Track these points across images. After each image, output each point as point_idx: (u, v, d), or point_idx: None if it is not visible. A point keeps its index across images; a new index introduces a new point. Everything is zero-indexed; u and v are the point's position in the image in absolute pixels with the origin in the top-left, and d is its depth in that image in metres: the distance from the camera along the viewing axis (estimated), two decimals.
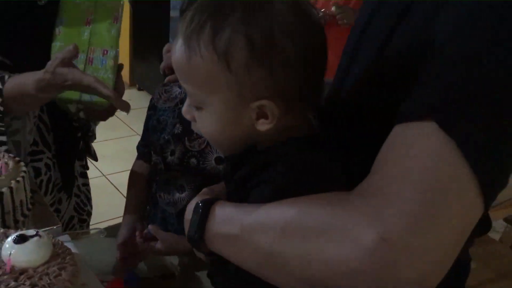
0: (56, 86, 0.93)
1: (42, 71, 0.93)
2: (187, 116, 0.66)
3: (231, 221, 0.60)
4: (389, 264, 0.46)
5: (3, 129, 0.99)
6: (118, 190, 2.67)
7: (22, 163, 0.92)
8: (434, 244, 0.47)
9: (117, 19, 1.10)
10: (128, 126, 3.26)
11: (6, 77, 0.98)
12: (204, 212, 0.62)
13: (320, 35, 0.61)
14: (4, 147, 1.00)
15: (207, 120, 0.62)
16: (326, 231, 0.50)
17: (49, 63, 0.93)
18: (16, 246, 0.68)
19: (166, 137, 1.16)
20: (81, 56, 1.05)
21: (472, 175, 0.47)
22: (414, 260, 0.46)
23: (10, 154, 0.91)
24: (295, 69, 0.58)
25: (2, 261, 0.67)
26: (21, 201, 0.87)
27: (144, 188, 1.25)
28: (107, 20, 1.09)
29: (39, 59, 1.05)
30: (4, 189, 0.83)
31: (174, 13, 3.41)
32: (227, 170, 0.70)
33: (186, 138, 1.13)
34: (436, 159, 0.47)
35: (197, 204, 0.64)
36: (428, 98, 0.50)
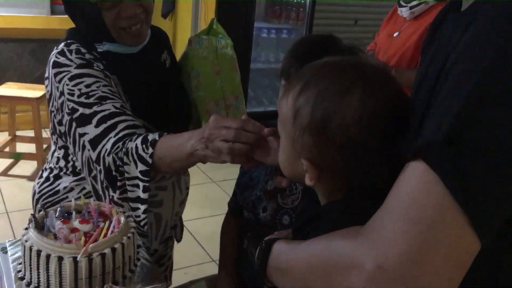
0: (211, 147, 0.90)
1: (199, 131, 0.92)
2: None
3: (281, 256, 0.70)
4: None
5: (147, 184, 0.98)
6: (194, 237, 2.70)
7: (131, 219, 0.95)
8: (428, 273, 0.51)
9: (237, 68, 1.21)
10: (205, 173, 3.33)
11: (154, 137, 0.99)
12: (266, 250, 0.72)
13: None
14: (143, 207, 1.00)
15: (280, 148, 0.74)
16: (339, 262, 0.58)
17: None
18: None
19: (258, 194, 1.17)
20: (221, 103, 1.17)
21: (459, 208, 0.50)
22: (408, 286, 0.51)
23: (120, 209, 0.95)
24: (339, 152, 0.64)
25: None
26: (129, 256, 0.90)
27: (236, 243, 1.26)
28: (231, 69, 1.21)
29: (172, 118, 1.17)
30: (117, 245, 0.86)
31: (253, 65, 3.56)
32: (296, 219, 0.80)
33: (279, 195, 1.14)
34: (425, 195, 0.52)
35: (261, 243, 0.74)
36: (422, 139, 0.55)
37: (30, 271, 0.84)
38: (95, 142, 1.03)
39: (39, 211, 0.92)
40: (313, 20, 3.99)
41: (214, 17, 3.73)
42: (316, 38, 1.14)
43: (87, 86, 1.06)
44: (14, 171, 3.23)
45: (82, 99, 1.05)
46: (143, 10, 1.12)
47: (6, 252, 0.94)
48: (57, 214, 0.91)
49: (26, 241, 0.85)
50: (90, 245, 0.83)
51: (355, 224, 0.61)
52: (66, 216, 0.91)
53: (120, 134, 1.01)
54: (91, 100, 1.05)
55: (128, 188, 1.00)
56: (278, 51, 4.02)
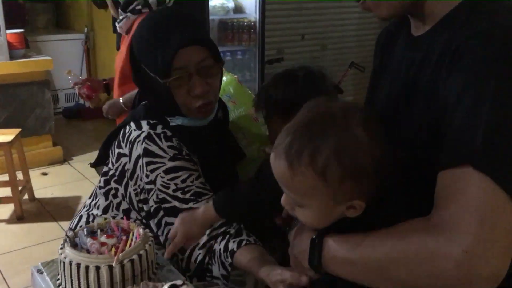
0: None
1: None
2: (287, 207, 0.85)
3: (343, 247, 0.80)
4: (473, 267, 0.68)
5: (226, 282, 1.12)
6: None
7: (147, 230, 1.12)
8: (497, 249, 0.68)
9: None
10: None
11: (233, 247, 1.10)
12: (320, 243, 0.82)
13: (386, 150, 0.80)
14: None
15: (307, 215, 0.82)
16: (421, 252, 0.71)
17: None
18: None
19: None
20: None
21: (508, 198, 0.67)
22: (488, 261, 0.67)
23: (137, 222, 1.12)
24: (373, 178, 0.78)
25: None
26: (152, 261, 1.07)
27: None
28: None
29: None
30: (142, 252, 1.03)
31: None
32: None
33: None
34: (482, 194, 0.68)
35: (312, 239, 0.83)
36: (460, 148, 0.71)
37: (71, 282, 1.00)
38: None
39: (69, 233, 1.07)
40: (264, 39, 4.23)
41: None
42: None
43: (183, 181, 1.13)
44: None
45: (178, 194, 1.13)
46: (211, 89, 1.16)
47: (42, 273, 1.09)
48: (85, 233, 1.06)
49: (65, 257, 1.00)
50: (121, 254, 1.00)
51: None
52: (92, 234, 1.07)
53: (214, 233, 1.13)
54: (187, 196, 1.13)
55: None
56: (234, 71, 4.24)
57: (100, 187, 1.30)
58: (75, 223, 1.34)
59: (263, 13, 4.13)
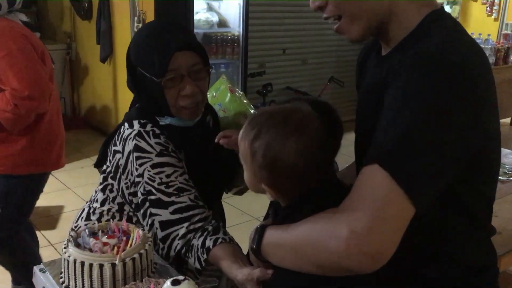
0: None
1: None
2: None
3: (275, 235, 0.93)
4: (358, 246, 0.78)
5: (198, 276, 1.21)
6: None
7: (146, 231, 1.18)
8: (383, 232, 0.78)
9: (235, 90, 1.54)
10: None
11: (209, 245, 1.19)
12: (262, 230, 0.96)
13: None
14: None
15: (244, 174, 0.98)
16: (321, 234, 0.84)
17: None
18: (174, 287, 0.93)
19: None
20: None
21: (403, 194, 0.78)
22: (373, 242, 0.78)
23: (138, 225, 1.18)
24: (288, 180, 0.92)
25: None
26: (151, 260, 1.12)
27: None
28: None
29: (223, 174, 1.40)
30: (142, 251, 1.09)
31: None
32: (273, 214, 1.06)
33: None
34: (379, 187, 0.79)
35: (257, 227, 0.97)
36: (375, 150, 0.82)
37: (75, 280, 1.04)
38: (166, 225, 1.21)
39: (71, 233, 1.12)
40: (247, 53, 4.33)
41: None
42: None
43: (167, 176, 1.22)
44: None
45: (162, 188, 1.21)
46: (199, 90, 1.27)
47: (45, 272, 1.13)
48: (87, 233, 1.12)
49: (69, 256, 1.05)
50: (123, 253, 1.05)
51: (314, 213, 0.88)
52: (94, 234, 1.12)
53: (191, 227, 1.21)
54: (170, 190, 1.21)
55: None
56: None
57: (100, 184, 1.39)
58: (78, 216, 1.42)
59: (246, 28, 4.24)
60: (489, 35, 5.55)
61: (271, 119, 0.92)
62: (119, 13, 4.40)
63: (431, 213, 0.87)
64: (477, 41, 5.37)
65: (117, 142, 1.30)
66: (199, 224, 1.22)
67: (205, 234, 1.21)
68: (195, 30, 3.96)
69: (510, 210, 1.95)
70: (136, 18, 4.00)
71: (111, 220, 1.30)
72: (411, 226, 0.82)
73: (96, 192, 1.41)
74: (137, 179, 1.25)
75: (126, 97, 4.54)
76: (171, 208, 1.22)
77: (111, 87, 4.84)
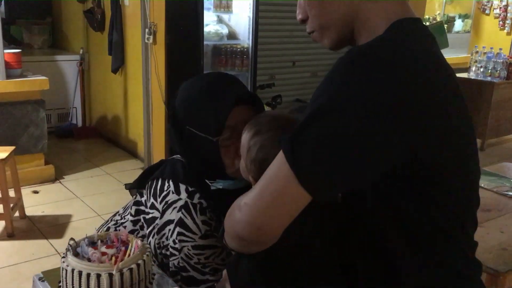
0: None
1: None
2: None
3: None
4: (246, 215, 0.85)
5: None
6: None
7: (145, 241, 1.18)
8: (267, 207, 0.83)
9: None
10: None
11: None
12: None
13: None
14: None
15: (241, 160, 1.07)
16: (234, 207, 0.92)
17: None
18: None
19: None
20: None
21: (293, 176, 0.79)
22: (256, 213, 0.84)
23: (138, 236, 1.18)
24: None
25: None
26: (149, 271, 1.13)
27: None
28: None
29: None
30: (140, 261, 1.09)
31: None
32: None
33: None
34: (273, 165, 0.84)
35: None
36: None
37: None
38: None
39: (71, 243, 1.13)
40: (256, 65, 4.35)
41: (163, 67, 4.01)
42: None
43: (206, 258, 1.20)
44: None
45: (198, 267, 1.20)
46: None
47: (44, 281, 1.14)
48: (86, 243, 1.12)
49: (67, 265, 1.06)
50: (120, 263, 1.06)
51: None
52: (93, 244, 1.13)
53: None
54: (206, 270, 1.21)
55: None
56: None
57: (131, 214, 1.36)
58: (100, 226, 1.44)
59: (255, 40, 4.26)
60: (500, 49, 5.51)
61: (273, 122, 1.02)
62: (130, 25, 4.46)
63: (373, 225, 0.89)
64: (489, 55, 5.36)
65: (158, 199, 1.24)
66: None
67: None
68: (205, 42, 3.99)
69: None
70: (147, 30, 4.05)
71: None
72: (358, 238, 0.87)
73: (125, 217, 1.37)
74: (172, 251, 1.22)
75: (136, 108, 4.59)
76: (203, 286, 1.22)
77: (122, 98, 4.89)
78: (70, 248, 1.10)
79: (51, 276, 1.15)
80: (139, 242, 1.14)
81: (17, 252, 3.01)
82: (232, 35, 4.31)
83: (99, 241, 1.14)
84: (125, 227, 1.36)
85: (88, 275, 1.03)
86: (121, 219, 1.40)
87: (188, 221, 1.19)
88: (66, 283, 1.06)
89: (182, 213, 1.20)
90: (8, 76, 3.79)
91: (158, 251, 1.28)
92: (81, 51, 5.30)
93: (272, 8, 4.47)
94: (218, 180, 1.21)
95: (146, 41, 4.10)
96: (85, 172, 4.36)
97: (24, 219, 3.44)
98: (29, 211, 3.51)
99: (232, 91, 1.18)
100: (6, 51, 3.81)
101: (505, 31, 7.12)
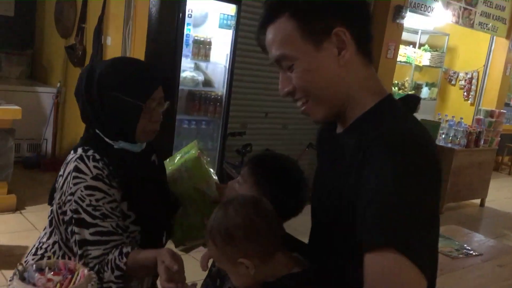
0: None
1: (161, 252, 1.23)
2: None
3: None
4: None
5: (121, 286, 1.31)
6: None
7: (92, 271, 1.23)
8: None
9: (201, 162, 1.59)
10: None
11: (127, 250, 1.31)
12: None
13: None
14: None
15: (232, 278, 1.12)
16: None
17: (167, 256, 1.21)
18: None
19: None
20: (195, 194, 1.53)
21: (418, 270, 0.84)
22: None
23: (83, 264, 1.23)
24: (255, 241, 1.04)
25: None
26: None
27: None
28: (197, 165, 1.58)
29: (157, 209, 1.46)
30: (88, 287, 1.14)
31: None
32: None
33: None
34: (391, 266, 0.85)
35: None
36: (380, 232, 0.87)
37: None
38: (84, 243, 1.32)
39: (19, 267, 1.17)
40: (228, 113, 4.49)
41: None
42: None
43: (97, 200, 1.33)
44: None
45: (89, 209, 1.32)
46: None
47: None
48: (34, 268, 1.17)
49: None
50: None
51: None
52: (41, 270, 1.17)
53: (107, 251, 1.32)
54: (96, 213, 1.32)
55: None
56: (198, 139, 4.43)
57: (48, 216, 1.48)
58: (28, 251, 1.48)
59: (230, 89, 4.42)
60: (461, 118, 5.82)
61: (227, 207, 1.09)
62: None
63: None
64: (450, 123, 5.65)
65: (61, 168, 1.41)
66: (115, 249, 1.33)
67: (119, 248, 1.32)
68: (180, 87, 4.12)
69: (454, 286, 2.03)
70: None
71: (54, 254, 1.38)
72: None
73: (45, 226, 1.48)
74: (68, 197, 1.34)
75: None
76: (92, 230, 1.32)
77: None
78: (17, 272, 1.14)
79: None
80: (85, 271, 1.19)
81: None
82: (207, 82, 4.46)
83: (47, 267, 1.18)
84: (46, 233, 1.47)
85: None
86: (42, 234, 1.50)
87: (81, 166, 1.35)
88: None
89: (76, 161, 1.36)
90: None
91: (59, 211, 1.38)
92: (58, 85, 5.36)
93: (249, 60, 4.67)
94: (120, 141, 1.42)
95: None
96: (47, 204, 4.32)
97: None
98: None
99: (159, 73, 1.45)
100: None
101: (469, 102, 7.52)
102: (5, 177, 4.04)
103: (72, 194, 1.34)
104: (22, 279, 1.14)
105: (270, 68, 5.32)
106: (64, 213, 1.37)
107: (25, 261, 1.22)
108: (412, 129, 0.97)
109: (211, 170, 1.62)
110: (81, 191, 1.33)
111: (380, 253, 0.86)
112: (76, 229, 1.33)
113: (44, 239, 1.46)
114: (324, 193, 1.13)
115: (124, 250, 1.30)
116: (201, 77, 4.36)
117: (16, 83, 5.47)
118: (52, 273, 1.17)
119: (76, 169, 1.35)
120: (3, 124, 3.97)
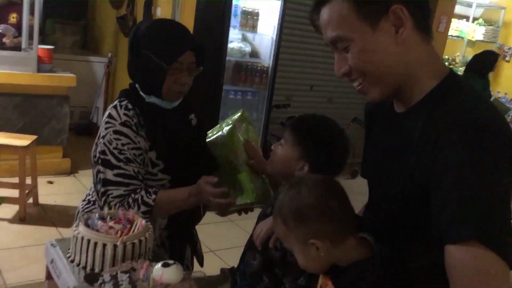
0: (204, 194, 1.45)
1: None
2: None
3: None
4: None
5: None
6: None
7: (149, 223, 1.32)
8: None
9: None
10: None
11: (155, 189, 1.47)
12: None
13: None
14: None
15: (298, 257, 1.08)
16: None
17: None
18: (164, 268, 1.06)
19: None
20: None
21: (503, 261, 0.85)
22: None
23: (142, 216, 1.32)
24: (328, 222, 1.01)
25: (154, 279, 1.05)
26: (149, 248, 1.26)
27: None
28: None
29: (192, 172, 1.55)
30: (142, 238, 1.22)
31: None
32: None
33: None
34: (475, 258, 0.85)
35: None
36: (464, 226, 0.86)
37: (80, 254, 1.18)
38: (107, 183, 1.45)
39: (84, 216, 1.27)
40: (274, 85, 4.51)
41: None
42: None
43: (122, 144, 1.45)
44: None
45: (115, 152, 1.44)
46: (189, 83, 1.53)
47: (55, 246, 1.28)
48: (97, 217, 1.26)
49: (78, 233, 1.19)
50: (125, 237, 1.19)
51: None
52: (103, 219, 1.27)
53: (127, 192, 1.45)
54: (121, 157, 1.44)
55: None
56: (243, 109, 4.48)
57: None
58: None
59: (276, 61, 4.42)
60: None
61: (295, 187, 1.06)
62: None
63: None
64: (502, 99, 5.45)
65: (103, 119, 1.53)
66: (134, 192, 1.45)
67: (143, 188, 1.46)
68: (227, 58, 4.17)
69: None
70: None
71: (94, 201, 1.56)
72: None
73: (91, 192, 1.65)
74: (100, 140, 1.47)
75: None
76: (116, 171, 1.44)
77: None
78: (82, 219, 1.24)
79: (62, 244, 1.29)
80: (143, 222, 1.27)
81: (27, 236, 3.16)
82: (254, 54, 4.48)
83: (109, 216, 1.28)
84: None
85: (95, 243, 1.17)
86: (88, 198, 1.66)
87: (113, 112, 1.48)
88: (75, 249, 1.20)
89: (111, 109, 1.50)
90: (39, 70, 4.00)
91: (93, 155, 1.50)
92: (109, 55, 5.52)
93: (296, 32, 4.64)
94: (152, 96, 1.53)
95: None
96: None
97: (36, 206, 3.60)
98: (42, 199, 3.67)
99: (189, 38, 1.52)
100: (40, 46, 4.03)
101: None
102: (61, 142, 4.25)
103: (103, 137, 1.47)
104: (87, 225, 1.24)
105: (317, 41, 5.28)
106: (95, 155, 1.49)
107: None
108: (487, 116, 0.93)
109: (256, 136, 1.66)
110: (110, 134, 1.45)
111: (466, 247, 0.85)
112: (101, 168, 1.46)
113: (91, 185, 1.61)
114: (385, 171, 1.09)
115: (151, 189, 1.44)
116: (248, 48, 4.39)
117: (70, 52, 5.67)
118: (113, 221, 1.26)
119: (109, 115, 1.48)
120: (59, 90, 4.16)
